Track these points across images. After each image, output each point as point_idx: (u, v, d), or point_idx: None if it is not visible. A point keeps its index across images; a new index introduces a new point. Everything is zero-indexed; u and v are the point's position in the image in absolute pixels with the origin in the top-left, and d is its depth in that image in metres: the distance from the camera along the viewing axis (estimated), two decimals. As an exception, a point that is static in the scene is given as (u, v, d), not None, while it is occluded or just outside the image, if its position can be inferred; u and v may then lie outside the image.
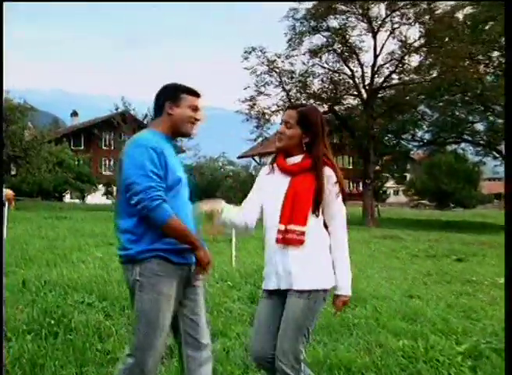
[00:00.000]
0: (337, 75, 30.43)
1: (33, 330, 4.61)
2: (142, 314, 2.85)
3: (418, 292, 7.74)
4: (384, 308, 6.25)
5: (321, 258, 2.93)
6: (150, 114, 35.45)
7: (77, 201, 44.53)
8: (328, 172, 2.95)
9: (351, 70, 29.98)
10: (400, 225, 28.16)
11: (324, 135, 2.99)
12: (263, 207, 3.02)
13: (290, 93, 29.90)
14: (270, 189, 3.00)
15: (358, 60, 29.84)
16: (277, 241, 2.91)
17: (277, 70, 29.81)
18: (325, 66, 30.26)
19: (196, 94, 3.09)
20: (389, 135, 33.64)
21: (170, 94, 3.06)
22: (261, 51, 29.36)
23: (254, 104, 29.78)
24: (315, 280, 2.90)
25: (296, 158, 3.00)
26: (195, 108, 3.06)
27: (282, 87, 29.92)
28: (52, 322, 4.77)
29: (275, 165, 3.05)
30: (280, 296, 2.96)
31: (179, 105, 3.03)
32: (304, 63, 30.05)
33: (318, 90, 30.09)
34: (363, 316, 5.81)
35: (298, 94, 29.99)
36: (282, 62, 29.84)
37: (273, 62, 29.61)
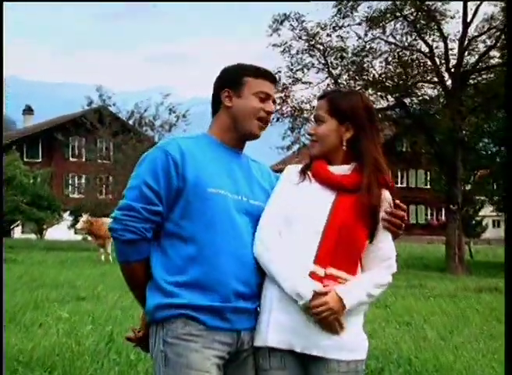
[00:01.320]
0: (408, 53, 30.38)
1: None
2: None
3: (532, 372, 7.61)
4: (481, 396, 6.16)
5: (362, 316, 2.97)
6: (138, 111, 35.80)
7: (33, 236, 44.93)
8: (385, 194, 2.98)
9: (429, 46, 29.86)
10: (502, 271, 27.80)
11: (373, 129, 3.00)
12: (282, 227, 2.95)
13: (340, 80, 29.94)
14: (301, 204, 2.94)
15: (440, 31, 29.66)
16: None
17: (321, 47, 29.94)
18: (391, 40, 30.29)
19: (266, 77, 3.09)
20: (486, 140, 33.41)
21: (229, 79, 3.08)
22: (297, 19, 29.59)
23: (288, 96, 29.91)
24: (361, 346, 2.94)
25: (344, 168, 2.99)
26: (265, 97, 3.05)
27: (329, 72, 30.01)
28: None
29: (309, 173, 3.01)
30: (295, 360, 2.90)
31: (240, 94, 3.04)
32: (359, 37, 30.16)
33: (380, 75, 30.05)
34: (450, 406, 5.72)
35: (351, 82, 29.98)
36: (329, 35, 30.00)
37: (315, 35, 29.76)
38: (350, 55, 30.08)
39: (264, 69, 3.10)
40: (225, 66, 3.17)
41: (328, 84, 29.72)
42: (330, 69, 30.06)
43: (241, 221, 2.95)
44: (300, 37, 29.83)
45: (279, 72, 29.81)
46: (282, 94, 29.65)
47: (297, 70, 30.13)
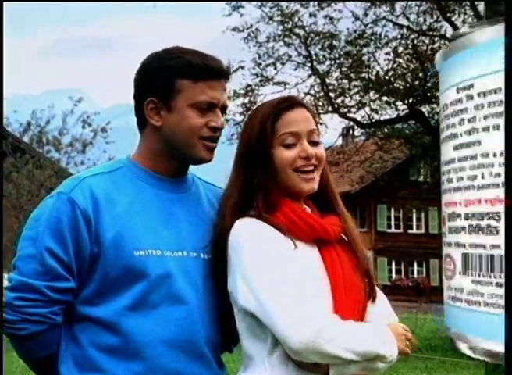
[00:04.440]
0: (427, 40, 30.54)
1: None
2: None
3: None
4: None
5: None
6: (36, 122, 35.61)
7: None
8: None
9: (457, 30, 29.99)
10: None
11: None
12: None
13: (329, 79, 30.05)
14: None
15: (474, 8, 29.64)
16: None
17: (301, 32, 30.04)
18: (402, 21, 30.43)
19: (211, 74, 2.95)
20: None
21: (154, 83, 2.97)
22: (266, -7, 29.66)
23: (253, 102, 29.82)
24: None
25: (309, 210, 3.07)
26: (208, 106, 2.93)
27: (312, 68, 30.08)
28: None
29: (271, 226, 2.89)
30: None
31: (172, 106, 2.93)
32: (356, 18, 30.19)
33: (386, 72, 30.16)
34: None
35: (345, 82, 30.08)
36: (312, 15, 30.08)
37: (293, 15, 29.83)
38: (343, 43, 30.16)
39: (207, 61, 2.94)
40: (149, 55, 3.04)
41: (311, 86, 29.78)
42: (314, 63, 30.13)
43: (189, 291, 2.88)
44: (271, 18, 29.85)
45: (242, 67, 29.74)
46: (246, 100, 29.76)
47: (267, 65, 30.23)
